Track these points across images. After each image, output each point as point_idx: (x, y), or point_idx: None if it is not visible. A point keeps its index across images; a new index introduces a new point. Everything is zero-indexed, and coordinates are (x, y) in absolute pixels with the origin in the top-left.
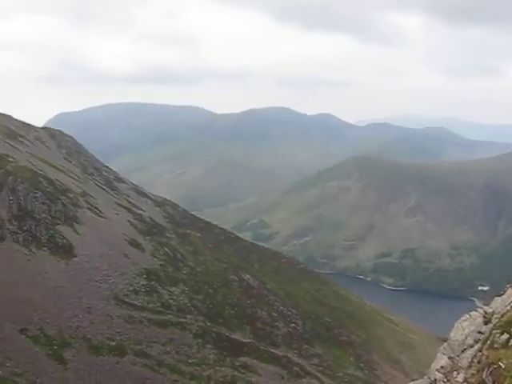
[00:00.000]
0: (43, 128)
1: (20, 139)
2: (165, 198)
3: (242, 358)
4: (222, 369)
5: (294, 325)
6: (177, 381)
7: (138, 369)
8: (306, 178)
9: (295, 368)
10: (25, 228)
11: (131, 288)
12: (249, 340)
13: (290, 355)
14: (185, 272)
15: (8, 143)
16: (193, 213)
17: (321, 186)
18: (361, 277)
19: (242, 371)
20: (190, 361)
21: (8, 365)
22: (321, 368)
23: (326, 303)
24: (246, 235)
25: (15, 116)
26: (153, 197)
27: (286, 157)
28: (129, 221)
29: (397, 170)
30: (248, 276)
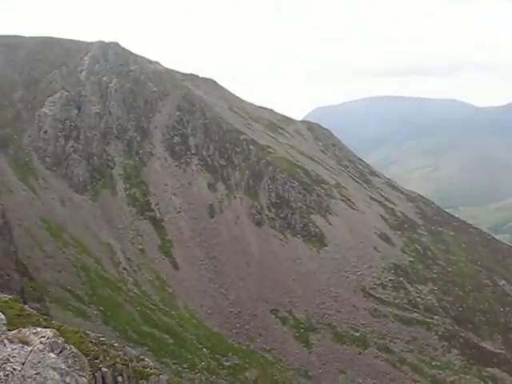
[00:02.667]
0: (302, 121)
1: (280, 131)
2: (418, 194)
3: (490, 369)
4: (468, 377)
5: None
6: (418, 381)
7: (379, 363)
8: None
9: None
10: (281, 215)
11: (378, 282)
12: (500, 350)
13: None
14: (435, 271)
15: (269, 135)
16: (446, 210)
17: None
18: None
19: (490, 383)
20: (433, 363)
21: (258, 340)
22: None
23: None
24: (504, 237)
25: (277, 110)
26: (406, 191)
27: None
28: (380, 214)
29: None
30: (503, 282)
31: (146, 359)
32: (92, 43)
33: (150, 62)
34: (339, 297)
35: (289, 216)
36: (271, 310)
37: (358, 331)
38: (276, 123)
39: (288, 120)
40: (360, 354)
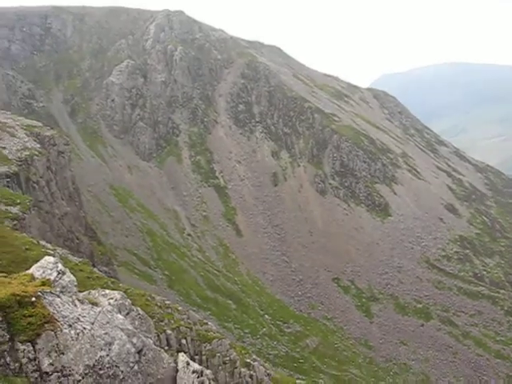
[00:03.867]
0: (368, 89)
1: (345, 99)
2: (487, 164)
3: None
4: None
5: None
6: (481, 356)
7: (441, 335)
8: None
9: None
10: (345, 184)
11: (443, 253)
12: None
13: None
14: (502, 244)
15: (335, 103)
16: None
17: None
18: None
19: None
20: (497, 338)
21: (320, 308)
22: None
23: None
24: None
25: (342, 77)
26: (474, 162)
27: None
28: (447, 185)
29: None
30: None
31: (209, 323)
32: (157, 12)
33: (215, 29)
34: (402, 267)
35: (353, 185)
36: (333, 279)
37: (420, 303)
38: (341, 91)
39: (353, 88)
40: (422, 325)
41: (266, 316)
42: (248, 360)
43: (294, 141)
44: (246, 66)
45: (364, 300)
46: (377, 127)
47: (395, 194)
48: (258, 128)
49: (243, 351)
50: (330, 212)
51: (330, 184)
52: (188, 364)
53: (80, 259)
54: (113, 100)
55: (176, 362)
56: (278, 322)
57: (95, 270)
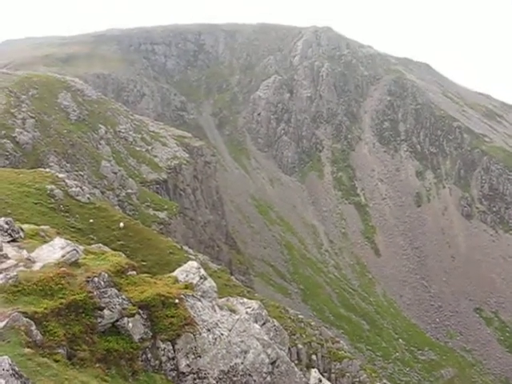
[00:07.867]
0: None
1: (498, 119)
2: None
3: None
4: None
5: None
6: None
7: None
8: None
9: None
10: (494, 209)
11: None
12: None
13: None
14: None
15: (486, 123)
16: None
17: None
18: None
19: None
20: None
21: (458, 338)
22: None
23: None
24: None
25: (495, 95)
26: None
27: None
28: None
29: None
30: None
31: (341, 342)
32: (305, 28)
33: (363, 46)
34: None
35: (502, 210)
36: (475, 309)
37: None
38: (493, 110)
39: (507, 107)
40: None
41: (400, 340)
42: None
43: (440, 161)
44: (394, 82)
45: (508, 334)
46: None
47: None
48: (403, 146)
49: (374, 374)
50: (476, 238)
51: (476, 208)
52: (320, 381)
53: (219, 266)
54: (259, 114)
55: (308, 378)
56: (412, 348)
57: (232, 278)
